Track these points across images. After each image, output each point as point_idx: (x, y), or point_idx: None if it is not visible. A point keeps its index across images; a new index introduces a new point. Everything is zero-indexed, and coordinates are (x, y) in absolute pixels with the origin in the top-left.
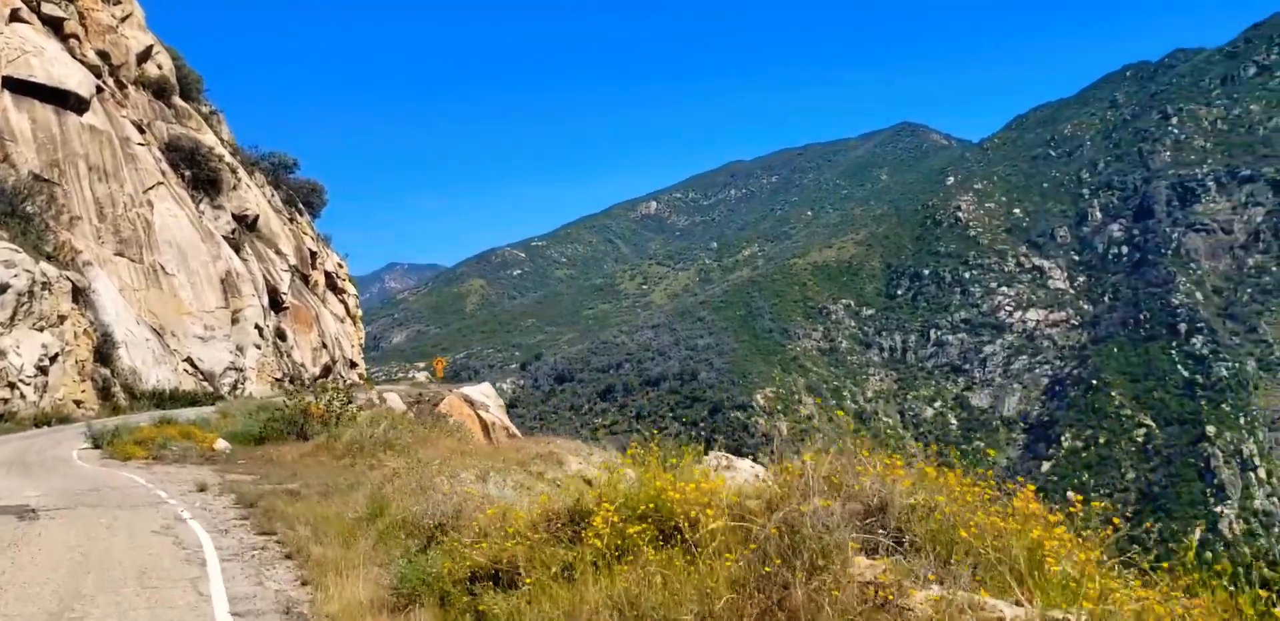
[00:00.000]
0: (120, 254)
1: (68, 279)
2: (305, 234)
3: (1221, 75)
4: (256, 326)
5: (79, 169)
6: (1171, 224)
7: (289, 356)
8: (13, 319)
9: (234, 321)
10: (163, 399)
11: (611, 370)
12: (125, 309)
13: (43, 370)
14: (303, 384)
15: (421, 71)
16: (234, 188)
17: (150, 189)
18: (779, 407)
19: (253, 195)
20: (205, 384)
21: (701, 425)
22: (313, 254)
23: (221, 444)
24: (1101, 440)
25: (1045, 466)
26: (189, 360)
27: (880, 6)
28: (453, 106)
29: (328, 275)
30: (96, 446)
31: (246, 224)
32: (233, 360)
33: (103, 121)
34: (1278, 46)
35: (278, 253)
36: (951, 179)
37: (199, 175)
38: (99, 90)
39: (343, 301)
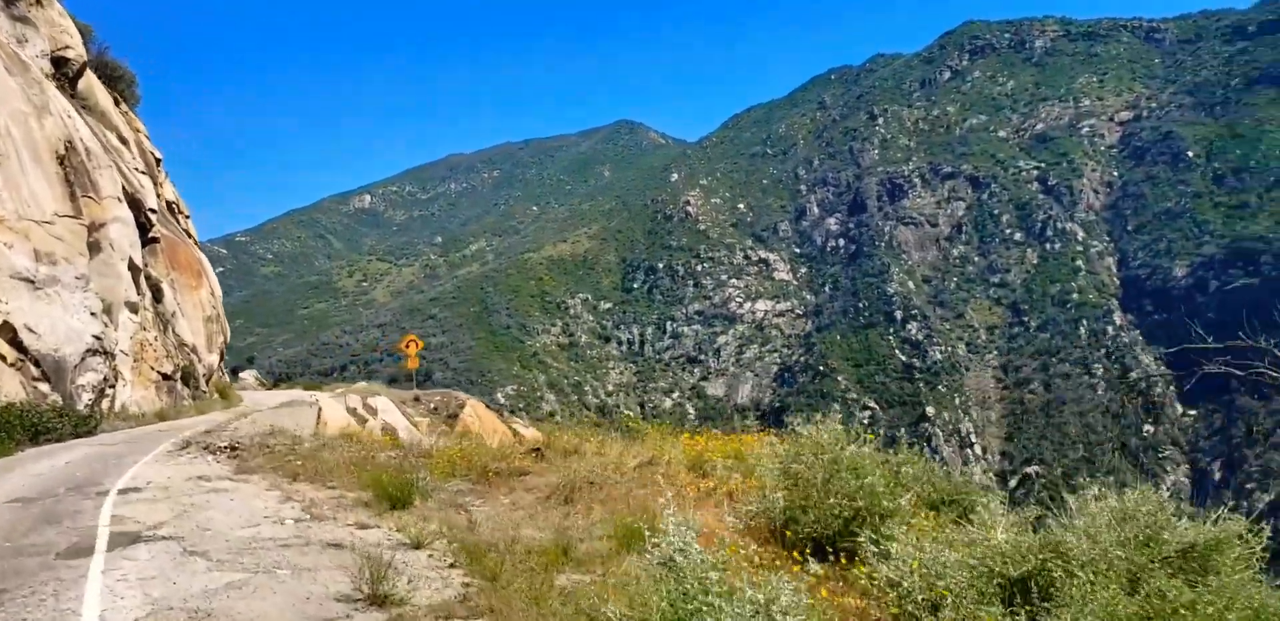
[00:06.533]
0: None
1: None
2: (138, 131)
3: (920, 79)
4: (131, 265)
5: None
6: (883, 218)
7: (173, 331)
8: None
9: (92, 249)
10: None
11: (336, 372)
12: None
13: None
14: (196, 383)
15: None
16: (39, 2)
17: None
18: (521, 405)
19: (74, 30)
20: (42, 386)
21: None
22: (159, 160)
23: None
24: None
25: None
26: (8, 328)
27: (595, 4)
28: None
29: (169, 207)
30: None
31: (68, 77)
32: (98, 333)
33: None
34: (968, 53)
35: (121, 140)
36: (676, 175)
37: None
38: None
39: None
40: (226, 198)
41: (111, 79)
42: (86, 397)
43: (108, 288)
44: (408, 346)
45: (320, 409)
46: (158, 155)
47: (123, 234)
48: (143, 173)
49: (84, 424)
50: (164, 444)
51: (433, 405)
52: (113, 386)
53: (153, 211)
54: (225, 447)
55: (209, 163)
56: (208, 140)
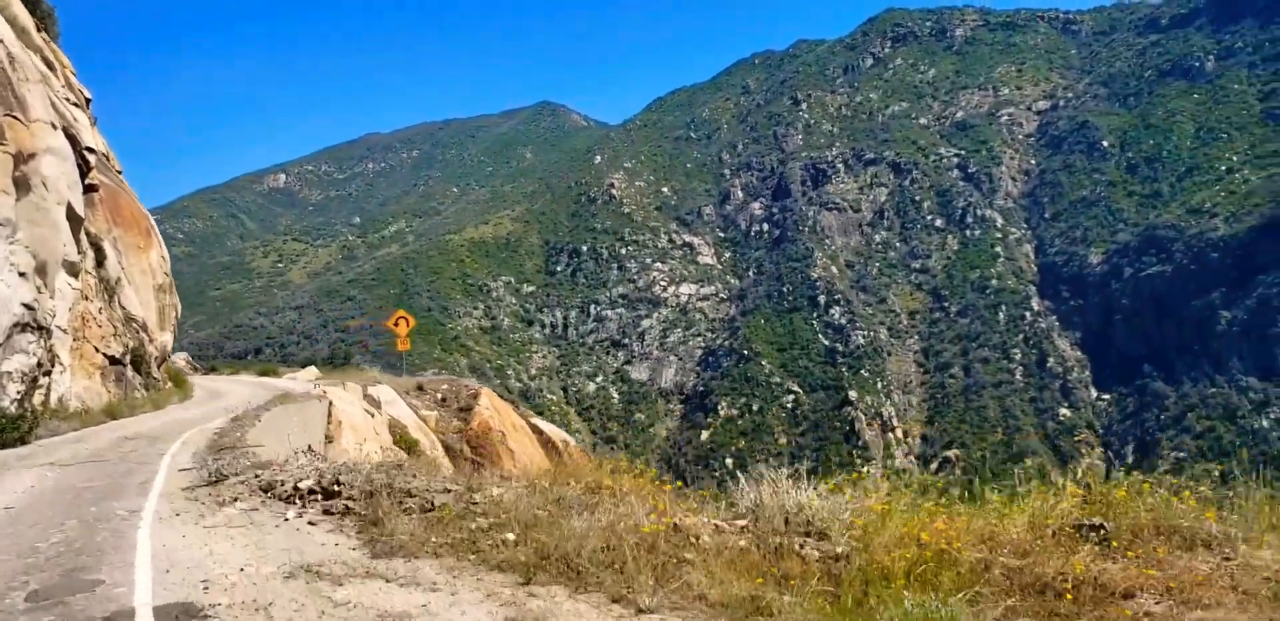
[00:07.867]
0: None
1: None
2: (64, 65)
3: (843, 65)
4: (70, 213)
5: None
6: (806, 203)
7: (119, 302)
8: None
9: (19, 186)
10: None
11: (250, 356)
12: None
13: None
14: (148, 369)
15: None
16: None
17: None
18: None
19: None
20: None
21: None
22: (88, 101)
23: None
24: (755, 407)
25: (704, 435)
26: None
27: None
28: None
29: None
30: None
31: None
32: (29, 302)
33: None
34: (890, 40)
35: (47, 64)
36: (600, 158)
37: None
38: None
39: None
40: (133, 173)
41: (29, 3)
42: (14, 390)
43: (40, 240)
44: (397, 324)
45: (330, 405)
46: (87, 95)
47: (59, 170)
48: (75, 106)
49: (14, 428)
50: (159, 468)
51: (440, 395)
52: (48, 374)
53: (89, 151)
54: (311, 491)
55: (114, 136)
56: (112, 112)
